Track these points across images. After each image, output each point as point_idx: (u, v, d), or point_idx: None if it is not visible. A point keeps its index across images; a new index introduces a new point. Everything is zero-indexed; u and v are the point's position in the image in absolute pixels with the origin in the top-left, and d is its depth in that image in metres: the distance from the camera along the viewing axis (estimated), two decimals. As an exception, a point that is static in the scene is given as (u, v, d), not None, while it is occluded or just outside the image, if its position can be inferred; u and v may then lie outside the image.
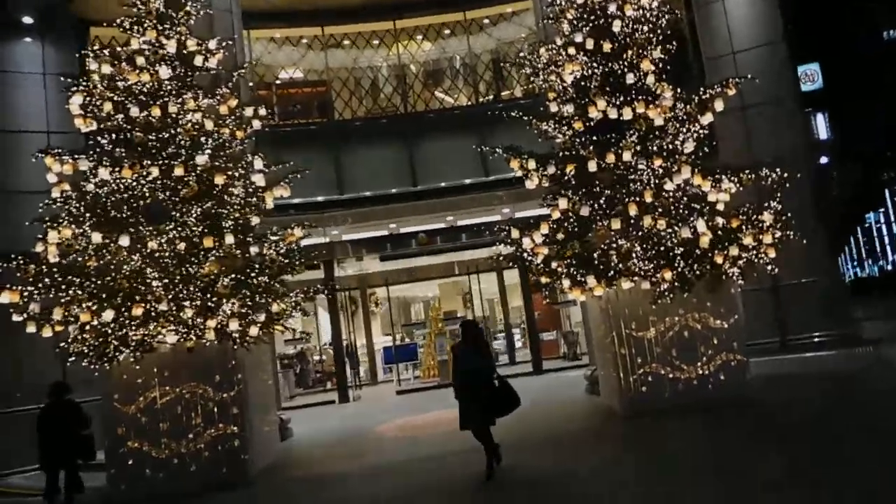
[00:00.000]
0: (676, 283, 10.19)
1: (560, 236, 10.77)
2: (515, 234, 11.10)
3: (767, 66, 16.71)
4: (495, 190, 17.91)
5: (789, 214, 11.48)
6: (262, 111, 12.40)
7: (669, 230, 10.16)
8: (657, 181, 10.28)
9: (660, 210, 10.22)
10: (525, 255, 11.24)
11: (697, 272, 10.16)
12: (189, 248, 10.36)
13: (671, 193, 10.37)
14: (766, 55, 16.87)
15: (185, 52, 11.56)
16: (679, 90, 11.49)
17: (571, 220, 10.65)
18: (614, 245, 10.18)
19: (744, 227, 10.79)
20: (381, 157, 18.73)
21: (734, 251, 10.40)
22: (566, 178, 11.00)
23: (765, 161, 15.95)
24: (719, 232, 10.70)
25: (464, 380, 8.04)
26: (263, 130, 12.56)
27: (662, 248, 10.11)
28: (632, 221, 10.19)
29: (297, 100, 19.97)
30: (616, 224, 10.01)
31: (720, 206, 11.04)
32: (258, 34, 19.20)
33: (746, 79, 12.07)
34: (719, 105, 11.37)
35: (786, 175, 11.30)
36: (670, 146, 10.52)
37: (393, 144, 18.78)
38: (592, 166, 10.72)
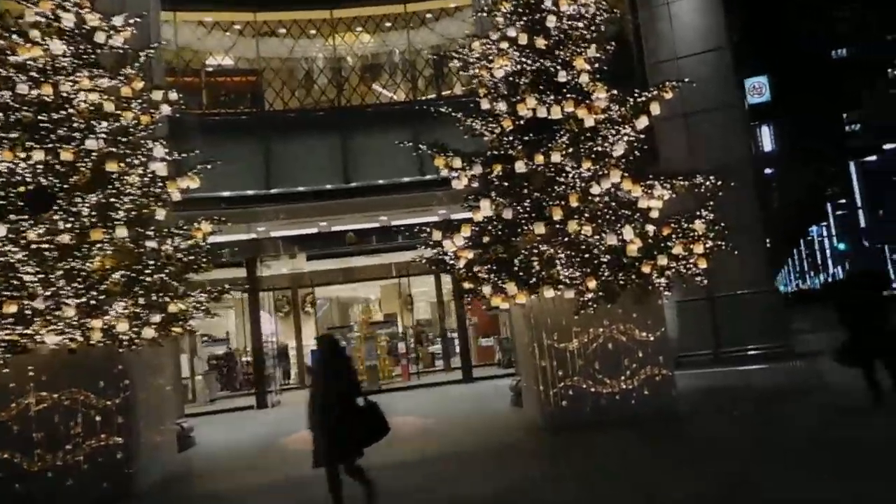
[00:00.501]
0: (601, 293, 9.63)
1: (485, 240, 10.14)
2: (437, 236, 10.43)
3: (712, 73, 16.42)
4: (432, 189, 17.22)
5: (723, 224, 11.07)
6: (173, 95, 11.50)
7: (596, 237, 9.60)
8: (584, 185, 9.72)
9: (586, 215, 9.66)
10: (447, 258, 10.59)
11: (623, 282, 9.62)
12: (78, 240, 9.44)
13: (599, 198, 9.82)
14: (711, 62, 16.56)
15: (84, 26, 10.60)
16: (615, 92, 11.01)
17: (495, 223, 10.03)
18: (536, 251, 9.59)
19: (674, 235, 10.33)
20: (314, 151, 17.91)
21: (662, 261, 9.90)
22: (492, 178, 10.38)
23: (702, 168, 15.91)
24: (649, 240, 10.21)
25: (320, 406, 6.82)
26: (188, 118, 11.68)
27: (587, 256, 9.55)
28: (557, 227, 9.59)
29: (227, 88, 19.04)
30: (540, 229, 9.40)
31: (653, 214, 10.62)
32: (185, 16, 18.18)
33: (685, 83, 11.67)
34: (655, 109, 10.90)
35: (721, 183, 10.89)
36: (600, 149, 9.97)
37: (327, 139, 17.97)
38: (520, 167, 10.12)
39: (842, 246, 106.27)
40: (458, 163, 10.56)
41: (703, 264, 10.70)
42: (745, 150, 16.18)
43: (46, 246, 9.21)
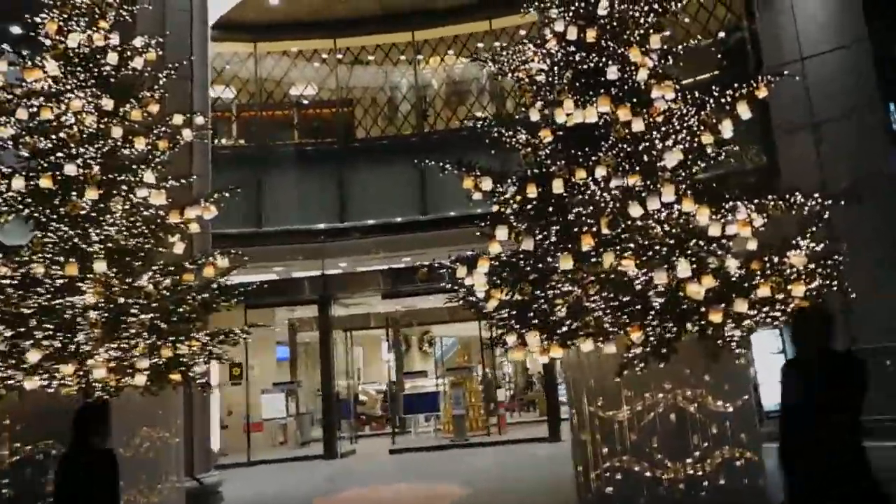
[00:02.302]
0: (650, 349, 7.34)
1: (506, 276, 8.17)
2: (462, 272, 8.58)
3: (848, 72, 13.42)
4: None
5: (838, 257, 8.43)
6: (200, 119, 10.64)
7: (641, 274, 7.37)
8: (619, 205, 7.52)
9: (631, 246, 7.45)
10: (474, 299, 8.71)
11: (679, 334, 7.29)
12: (51, 275, 8.56)
13: (647, 223, 7.58)
14: (846, 59, 13.53)
15: (88, 46, 9.91)
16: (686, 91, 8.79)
17: (522, 257, 8.05)
18: (560, 292, 7.49)
19: (760, 272, 7.86)
20: (390, 181, 16.58)
21: (741, 306, 7.45)
22: (526, 201, 8.44)
23: (832, 189, 12.92)
24: (733, 279, 7.81)
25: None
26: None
27: (628, 299, 7.31)
28: (590, 260, 7.47)
29: (308, 118, 18.28)
30: (567, 262, 7.31)
31: (751, 245, 8.25)
32: (268, 47, 17.59)
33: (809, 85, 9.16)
34: (744, 110, 8.56)
35: (830, 203, 8.32)
36: (652, 157, 7.76)
37: (402, 168, 16.63)
38: (558, 186, 8.10)
39: None
40: (487, 184, 8.70)
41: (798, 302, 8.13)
42: (887, 163, 12.94)
43: (8, 281, 8.37)
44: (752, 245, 8.34)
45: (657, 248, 7.33)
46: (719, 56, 15.81)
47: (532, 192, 8.26)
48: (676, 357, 7.76)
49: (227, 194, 10.13)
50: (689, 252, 7.50)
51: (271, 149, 16.53)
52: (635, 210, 7.15)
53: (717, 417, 7.84)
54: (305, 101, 18.05)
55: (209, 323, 11.85)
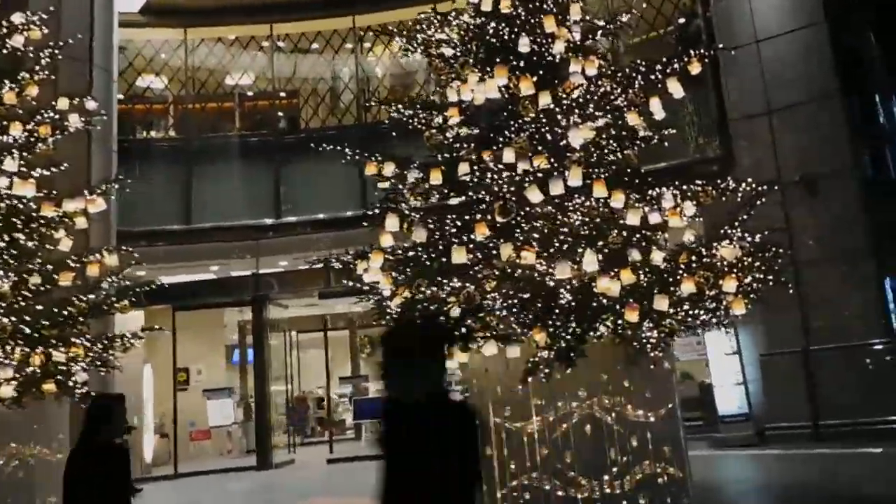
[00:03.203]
0: (555, 353, 6.45)
1: (409, 271, 7.26)
2: (361, 267, 7.66)
3: (805, 57, 12.62)
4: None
5: (776, 249, 7.60)
6: (91, 104, 9.68)
7: (545, 267, 6.48)
8: (512, 189, 6.62)
9: (536, 236, 6.54)
10: (378, 298, 7.80)
11: (581, 334, 6.41)
12: None
13: (554, 211, 6.68)
14: (803, 42, 12.72)
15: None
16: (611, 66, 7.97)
17: (418, 248, 7.14)
18: (451, 287, 6.59)
19: (688, 266, 7.00)
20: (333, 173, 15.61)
21: (661, 304, 6.57)
22: (429, 188, 7.54)
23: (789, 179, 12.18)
24: (654, 274, 6.94)
25: None
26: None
27: (528, 296, 6.41)
28: (491, 253, 6.57)
29: (250, 110, 17.29)
30: (460, 255, 6.41)
31: (689, 237, 7.43)
32: (202, 33, 16.59)
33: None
34: (676, 88, 7.73)
35: (764, 189, 7.48)
36: (560, 138, 6.88)
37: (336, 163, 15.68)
38: (464, 169, 7.22)
39: None
40: (390, 168, 7.79)
41: (738, 308, 7.29)
42: (848, 154, 12.15)
43: None
44: (689, 236, 7.53)
45: (562, 238, 6.42)
46: (676, 44, 15.05)
47: (437, 178, 7.38)
48: (593, 361, 6.91)
49: (115, 186, 9.22)
50: (603, 243, 6.61)
51: (205, 141, 15.57)
52: (534, 195, 6.25)
53: (637, 428, 6.96)
54: (242, 92, 17.08)
55: (111, 325, 10.93)
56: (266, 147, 15.06)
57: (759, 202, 7.44)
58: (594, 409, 7.01)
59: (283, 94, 16.74)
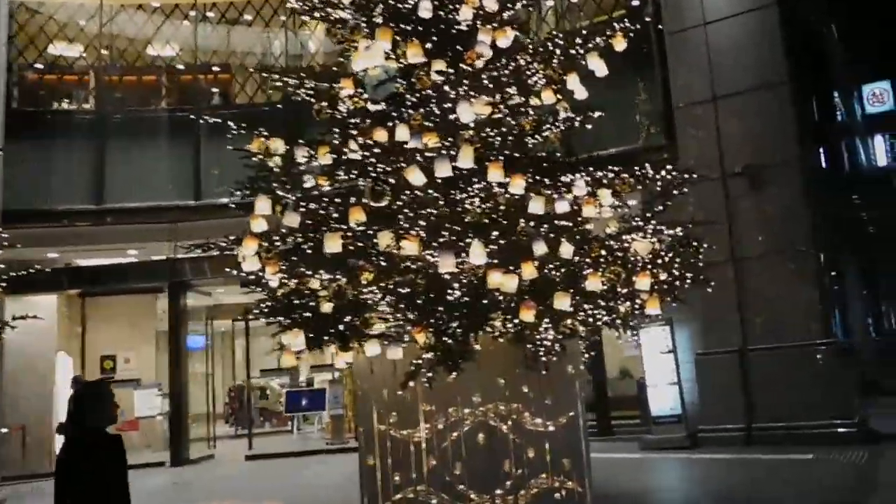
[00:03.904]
0: (438, 354, 5.74)
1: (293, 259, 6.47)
2: (241, 254, 6.84)
3: (754, 41, 12.00)
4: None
5: (696, 244, 6.98)
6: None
7: (430, 259, 5.76)
8: (388, 171, 5.87)
9: (422, 223, 5.80)
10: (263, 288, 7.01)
11: (464, 334, 5.71)
12: None
13: (444, 196, 5.93)
14: (753, 26, 12.09)
15: None
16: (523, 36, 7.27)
17: (295, 236, 6.35)
18: (323, 279, 5.84)
19: (595, 260, 6.34)
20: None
21: (561, 302, 5.89)
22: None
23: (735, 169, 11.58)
24: (561, 269, 6.26)
25: None
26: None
27: (408, 291, 5.69)
28: (370, 242, 5.82)
29: (173, 84, 16.23)
30: (334, 243, 5.65)
31: (614, 229, 6.78)
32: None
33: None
34: (598, 64, 7.05)
35: (694, 176, 6.84)
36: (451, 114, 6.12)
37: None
38: (354, 149, 6.45)
39: None
40: (279, 145, 6.97)
41: (653, 308, 6.65)
42: (795, 145, 11.56)
43: None
44: (612, 228, 6.88)
45: (449, 227, 5.69)
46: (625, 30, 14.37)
47: (325, 156, 6.60)
48: (488, 364, 6.25)
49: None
50: (500, 234, 5.91)
51: (120, 115, 14.53)
52: (415, 177, 5.51)
53: (535, 438, 6.32)
54: (165, 64, 16.02)
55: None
56: (188, 124, 14.07)
57: (676, 192, 6.75)
58: (488, 417, 6.36)
59: (209, 68, 15.72)
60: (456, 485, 6.29)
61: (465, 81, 5.84)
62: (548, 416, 6.32)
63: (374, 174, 5.70)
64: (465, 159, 5.62)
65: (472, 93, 5.94)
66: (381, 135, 6.21)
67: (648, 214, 6.52)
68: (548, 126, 7.31)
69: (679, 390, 11.52)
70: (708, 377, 11.52)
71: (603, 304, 6.38)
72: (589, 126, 8.40)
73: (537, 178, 6.36)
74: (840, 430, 10.66)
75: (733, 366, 11.30)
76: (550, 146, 7.66)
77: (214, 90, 15.71)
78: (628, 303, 6.76)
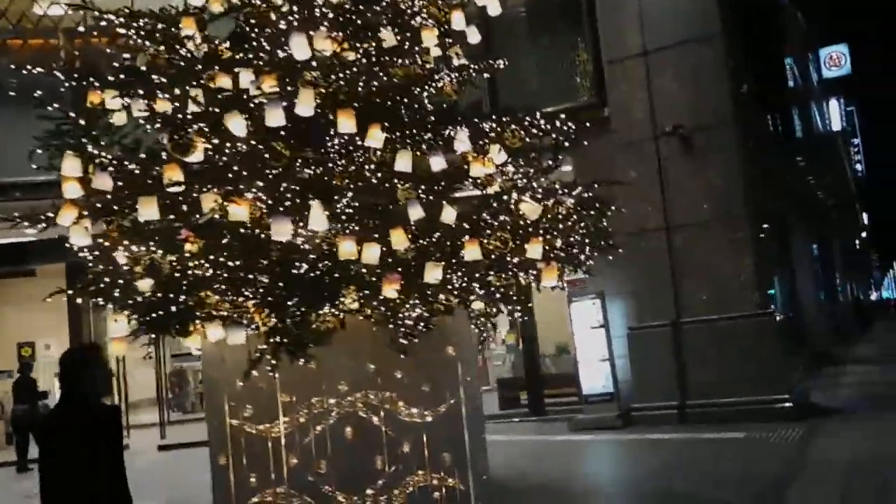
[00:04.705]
0: (283, 339, 4.89)
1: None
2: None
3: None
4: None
5: (590, 211, 6.21)
6: None
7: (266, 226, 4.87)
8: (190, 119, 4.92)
9: (260, 184, 4.90)
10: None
11: (304, 314, 4.86)
12: None
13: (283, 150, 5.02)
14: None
15: None
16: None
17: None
18: (133, 251, 4.93)
19: (475, 226, 5.53)
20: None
21: (433, 274, 5.06)
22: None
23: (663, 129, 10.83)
24: (441, 237, 5.43)
25: None
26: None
27: (237, 263, 4.80)
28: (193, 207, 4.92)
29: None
30: (147, 207, 4.74)
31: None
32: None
33: None
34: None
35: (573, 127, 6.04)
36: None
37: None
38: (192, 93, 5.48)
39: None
40: (113, 97, 5.95)
41: (549, 278, 5.89)
42: (730, 103, 10.80)
43: None
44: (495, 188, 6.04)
45: (286, 186, 4.80)
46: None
47: (164, 107, 5.62)
48: (356, 347, 5.44)
49: None
50: (356, 195, 5.06)
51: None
52: (236, 125, 4.60)
53: (410, 431, 5.52)
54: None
55: None
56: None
57: (566, 144, 5.94)
58: (357, 407, 5.56)
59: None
60: (320, 485, 5.49)
61: (305, 12, 4.91)
62: (425, 405, 5.53)
63: (179, 122, 4.74)
64: (305, 105, 4.72)
65: (319, 26, 5.01)
66: (223, 80, 5.28)
67: (534, 171, 5.68)
68: (442, 75, 6.46)
69: (611, 367, 10.83)
70: (641, 353, 10.84)
71: (486, 275, 5.60)
72: (487, 76, 7.62)
73: (412, 132, 5.54)
74: (777, 405, 10.04)
75: (667, 340, 10.63)
76: (446, 98, 6.80)
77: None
78: (522, 274, 6.02)
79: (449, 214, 5.45)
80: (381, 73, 5.54)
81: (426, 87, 6.34)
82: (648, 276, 10.95)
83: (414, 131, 5.59)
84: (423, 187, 5.56)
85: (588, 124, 11.67)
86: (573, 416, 11.15)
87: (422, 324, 5.06)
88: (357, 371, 5.51)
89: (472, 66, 6.75)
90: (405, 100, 5.62)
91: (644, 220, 11.03)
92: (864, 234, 60.16)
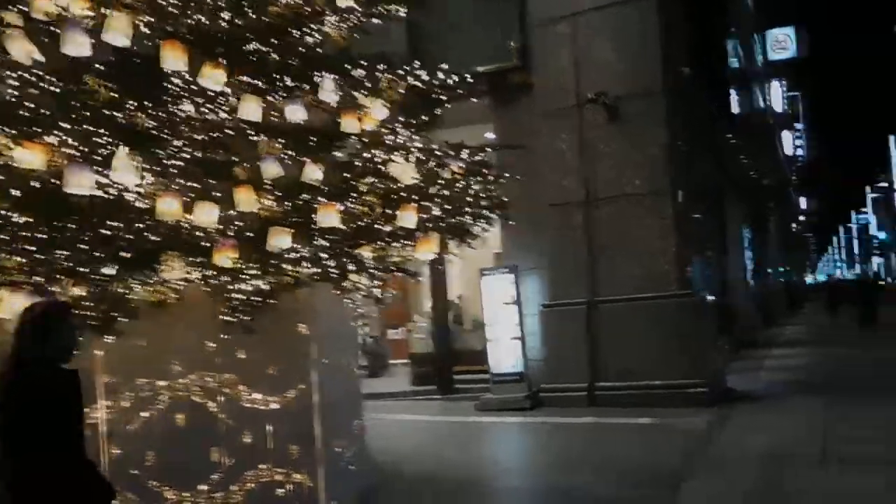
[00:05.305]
0: (88, 312, 4.12)
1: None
2: None
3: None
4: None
5: (489, 172, 5.57)
6: None
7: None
8: None
9: (46, 113, 4.07)
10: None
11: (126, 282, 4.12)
12: None
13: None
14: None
15: None
16: None
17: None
18: None
19: (335, 188, 4.81)
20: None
21: (279, 240, 4.35)
22: None
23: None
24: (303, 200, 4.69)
25: None
26: None
27: (30, 221, 4.00)
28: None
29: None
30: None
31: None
32: None
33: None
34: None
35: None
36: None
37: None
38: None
39: (882, 235, 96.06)
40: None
41: (426, 249, 5.25)
42: (660, 72, 10.22)
43: None
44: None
45: (99, 131, 3.99)
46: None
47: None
48: (192, 322, 4.70)
49: None
50: (191, 139, 4.28)
51: None
52: (16, 48, 3.77)
53: (253, 419, 4.83)
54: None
55: None
56: None
57: (446, 101, 5.25)
58: (192, 391, 4.83)
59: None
60: (146, 480, 4.77)
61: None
62: (270, 391, 4.84)
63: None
64: (114, 32, 3.89)
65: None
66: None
67: (401, 126, 4.97)
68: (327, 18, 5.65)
69: (522, 346, 10.29)
70: (553, 332, 10.34)
71: (351, 244, 4.90)
72: (378, 21, 6.82)
73: (274, 78, 4.75)
74: (690, 390, 9.64)
75: (581, 319, 10.14)
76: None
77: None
78: (397, 243, 5.34)
79: (312, 173, 4.73)
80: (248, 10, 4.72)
81: (306, 31, 5.55)
82: (566, 252, 10.41)
83: (276, 77, 4.82)
84: (280, 142, 4.82)
85: (515, 88, 11.27)
86: (480, 395, 10.62)
87: (259, 298, 4.34)
88: (193, 350, 4.78)
89: (359, 8, 5.97)
90: (276, 42, 4.80)
91: (565, 192, 10.48)
92: (801, 218, 61.36)
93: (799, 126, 46.47)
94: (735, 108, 19.23)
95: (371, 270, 5.44)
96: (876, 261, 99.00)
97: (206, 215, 4.28)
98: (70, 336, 3.19)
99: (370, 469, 6.46)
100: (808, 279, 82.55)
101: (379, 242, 5.15)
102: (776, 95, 29.86)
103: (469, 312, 13.84)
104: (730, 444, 7.36)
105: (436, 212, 5.26)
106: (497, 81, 11.01)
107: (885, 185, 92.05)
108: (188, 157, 4.28)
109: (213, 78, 4.29)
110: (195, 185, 4.35)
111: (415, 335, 15.24)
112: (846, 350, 15.28)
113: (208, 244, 4.28)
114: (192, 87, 4.44)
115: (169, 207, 4.07)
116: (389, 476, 6.71)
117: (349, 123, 5.03)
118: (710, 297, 12.73)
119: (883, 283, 44.32)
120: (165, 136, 4.13)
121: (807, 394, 10.11)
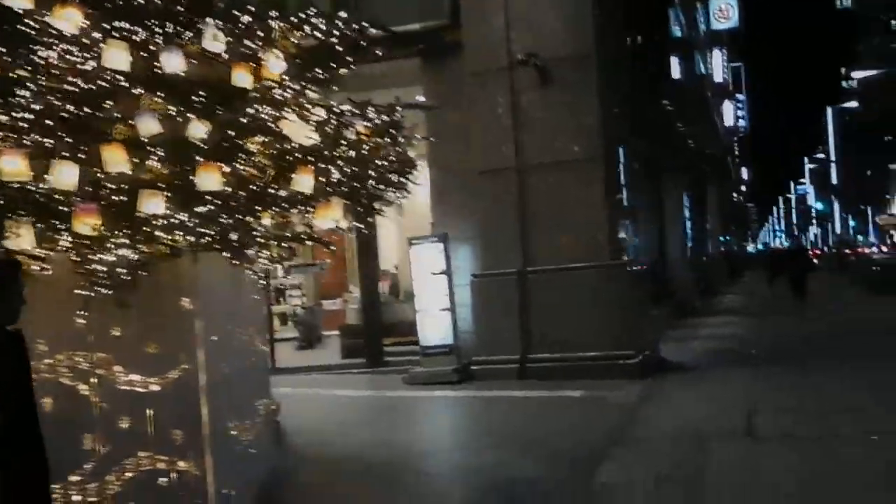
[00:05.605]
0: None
1: None
2: None
3: None
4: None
5: (398, 133, 5.15)
6: None
7: None
8: None
9: None
10: None
11: None
12: None
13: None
14: None
15: None
16: None
17: None
18: None
19: (223, 143, 4.34)
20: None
21: (151, 205, 3.87)
22: None
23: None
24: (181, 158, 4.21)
25: None
26: None
27: None
28: None
29: None
30: None
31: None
32: None
33: None
34: None
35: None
36: None
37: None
38: None
39: (819, 206, 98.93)
40: None
41: (324, 217, 4.83)
42: (592, 35, 9.87)
43: None
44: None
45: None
46: None
47: None
48: (61, 297, 4.19)
49: None
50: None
51: None
52: None
53: (131, 403, 4.38)
54: None
55: None
56: None
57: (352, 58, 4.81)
58: (60, 373, 4.34)
59: None
60: (8, 471, 4.29)
61: None
62: (150, 371, 4.39)
63: None
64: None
65: None
66: None
67: (291, 81, 4.51)
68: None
69: (452, 318, 9.98)
70: (484, 303, 10.06)
71: (240, 210, 4.44)
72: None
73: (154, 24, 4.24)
74: (621, 361, 9.49)
75: (512, 290, 9.86)
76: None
77: None
78: (296, 210, 4.91)
79: (196, 130, 4.25)
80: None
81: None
82: (497, 220, 10.10)
83: (154, 23, 4.31)
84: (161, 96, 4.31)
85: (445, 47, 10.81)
86: (408, 369, 10.31)
87: (125, 270, 3.87)
88: (61, 325, 4.28)
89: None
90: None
91: (496, 158, 10.13)
92: (743, 189, 62.52)
93: (741, 97, 47.03)
94: (675, 76, 19.11)
95: (271, 241, 5.01)
96: (813, 230, 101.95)
97: (66, 176, 3.78)
98: (19, 296, 3.04)
99: (278, 452, 6.10)
100: (750, 248, 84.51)
101: (275, 209, 4.71)
102: (718, 65, 30.01)
103: (405, 283, 13.49)
104: (655, 419, 7.20)
105: (338, 176, 4.82)
106: (427, 39, 10.54)
107: (822, 156, 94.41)
108: (43, 108, 3.76)
109: (69, 19, 3.77)
110: (51, 141, 3.85)
111: (350, 306, 14.87)
112: (782, 318, 15.41)
113: (66, 209, 3.80)
114: (52, 29, 3.91)
115: (12, 167, 3.56)
116: (304, 458, 6.37)
117: (241, 77, 4.55)
118: (645, 267, 12.65)
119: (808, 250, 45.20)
120: (13, 83, 3.60)
121: (738, 365, 10.07)
